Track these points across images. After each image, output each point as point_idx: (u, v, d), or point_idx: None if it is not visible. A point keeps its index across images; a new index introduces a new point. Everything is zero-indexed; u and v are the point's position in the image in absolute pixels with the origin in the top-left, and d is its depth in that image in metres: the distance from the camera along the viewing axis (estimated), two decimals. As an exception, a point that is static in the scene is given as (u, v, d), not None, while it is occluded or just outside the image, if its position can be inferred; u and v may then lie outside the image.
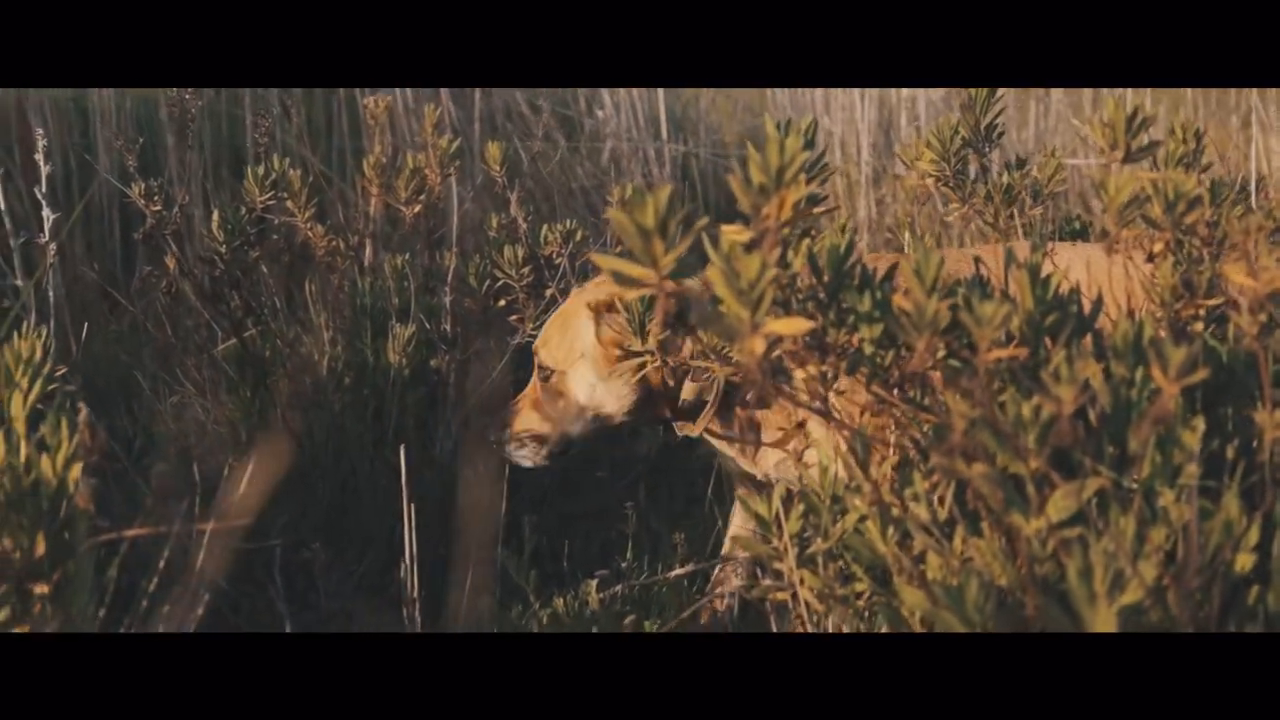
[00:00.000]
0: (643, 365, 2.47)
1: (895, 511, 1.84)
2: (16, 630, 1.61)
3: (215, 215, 2.87)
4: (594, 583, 2.59)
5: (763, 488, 2.66)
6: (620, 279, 1.60)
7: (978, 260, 1.89)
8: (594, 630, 2.60)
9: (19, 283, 2.52)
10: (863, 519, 1.86)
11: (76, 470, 1.62)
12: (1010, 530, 1.71)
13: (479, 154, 4.06)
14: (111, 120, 4.15)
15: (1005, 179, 2.90)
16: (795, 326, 1.56)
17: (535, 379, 2.64)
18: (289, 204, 3.09)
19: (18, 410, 1.68)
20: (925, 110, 4.41)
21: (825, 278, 1.84)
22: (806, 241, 1.93)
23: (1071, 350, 1.66)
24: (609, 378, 2.54)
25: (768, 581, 1.92)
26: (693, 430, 2.59)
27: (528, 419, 2.62)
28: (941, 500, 1.81)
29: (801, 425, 2.41)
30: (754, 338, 1.55)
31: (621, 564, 2.66)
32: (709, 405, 2.54)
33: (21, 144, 4.21)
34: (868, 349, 1.80)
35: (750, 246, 1.63)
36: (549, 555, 2.73)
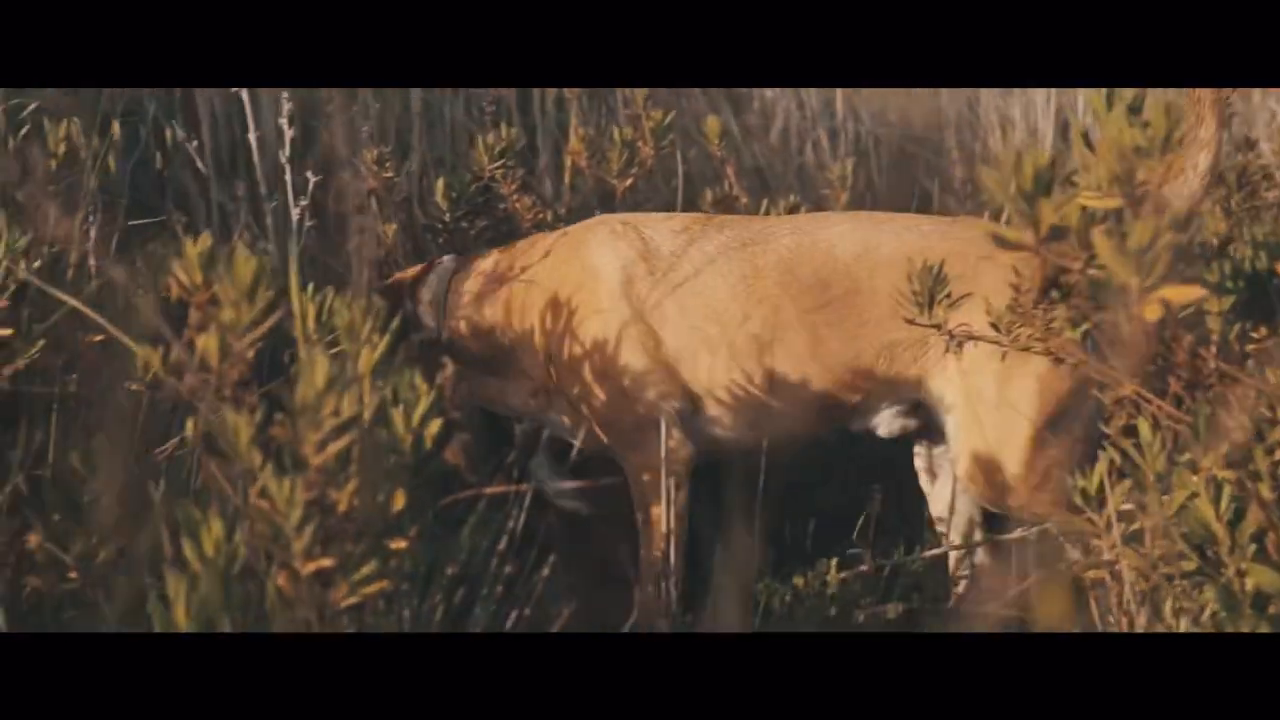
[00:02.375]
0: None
1: (1229, 489, 1.78)
2: (376, 585, 1.60)
3: (440, 184, 2.85)
4: (834, 561, 2.56)
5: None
6: (1000, 242, 1.56)
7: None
8: (832, 611, 2.58)
9: (270, 248, 2.51)
10: (1193, 495, 1.82)
11: (434, 425, 1.61)
12: (1365, 509, 1.66)
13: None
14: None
15: (1241, 159, 2.83)
16: (1189, 294, 1.52)
17: None
18: (496, 173, 3.06)
19: (365, 367, 1.67)
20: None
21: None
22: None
23: None
24: None
25: (1092, 559, 1.87)
26: None
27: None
28: (1282, 478, 1.76)
29: None
30: (1147, 304, 1.51)
31: (855, 549, 2.63)
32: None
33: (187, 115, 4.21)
34: (1213, 323, 1.76)
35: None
36: (797, 536, 2.73)
